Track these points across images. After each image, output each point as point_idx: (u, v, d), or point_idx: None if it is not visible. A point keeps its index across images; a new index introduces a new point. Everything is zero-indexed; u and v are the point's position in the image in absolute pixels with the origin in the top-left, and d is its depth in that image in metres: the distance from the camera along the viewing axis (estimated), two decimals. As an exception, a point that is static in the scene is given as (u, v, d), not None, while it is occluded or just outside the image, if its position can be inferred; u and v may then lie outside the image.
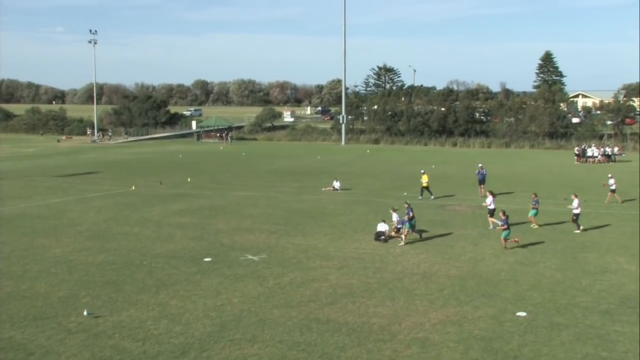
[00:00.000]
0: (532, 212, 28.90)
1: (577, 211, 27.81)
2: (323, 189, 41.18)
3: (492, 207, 28.09)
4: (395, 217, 25.85)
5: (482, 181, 38.27)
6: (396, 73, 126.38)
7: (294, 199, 37.07)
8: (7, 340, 15.25)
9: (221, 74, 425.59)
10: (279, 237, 26.48)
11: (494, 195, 29.01)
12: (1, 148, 78.26)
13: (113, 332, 15.75)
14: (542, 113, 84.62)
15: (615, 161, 61.72)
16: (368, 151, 76.30)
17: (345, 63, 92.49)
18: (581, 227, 27.68)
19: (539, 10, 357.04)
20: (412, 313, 17.17)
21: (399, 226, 25.76)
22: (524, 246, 24.74)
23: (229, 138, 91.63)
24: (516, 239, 24.76)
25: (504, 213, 24.96)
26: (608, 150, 64.19)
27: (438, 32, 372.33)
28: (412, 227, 25.79)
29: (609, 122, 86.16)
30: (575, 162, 61.43)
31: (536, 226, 28.54)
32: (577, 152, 63.79)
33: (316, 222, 29.89)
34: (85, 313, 16.86)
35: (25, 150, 75.74)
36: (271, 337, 15.46)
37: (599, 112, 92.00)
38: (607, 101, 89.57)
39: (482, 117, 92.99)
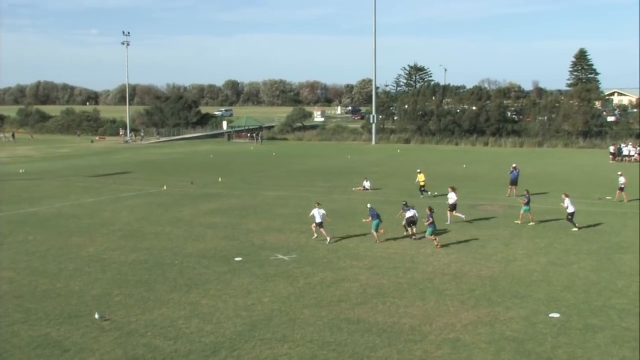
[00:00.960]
0: (523, 209, 28.77)
1: (570, 210, 27.49)
2: (353, 188, 41.14)
3: (451, 201, 29.21)
4: (315, 211, 25.64)
5: (513, 181, 37.79)
6: (427, 72, 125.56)
7: (324, 199, 36.94)
8: (43, 337, 15.55)
9: (252, 74, 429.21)
10: (309, 237, 26.51)
11: (454, 189, 29.81)
12: (38, 148, 79.91)
13: (145, 331, 15.93)
14: (576, 112, 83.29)
15: (652, 160, 60.47)
16: (398, 151, 75.99)
17: (375, 62, 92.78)
18: (576, 227, 27.37)
19: (571, 7, 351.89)
20: (443, 313, 17.04)
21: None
22: (557, 246, 24.38)
23: (259, 138, 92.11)
24: (436, 237, 24.65)
25: (430, 209, 24.86)
26: (644, 149, 62.90)
27: (469, 31, 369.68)
28: (376, 228, 25.56)
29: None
30: (611, 162, 60.31)
31: (532, 222, 28.55)
32: (612, 151, 62.63)
33: (346, 222, 29.86)
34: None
35: (60, 151, 77.16)
36: (301, 336, 15.48)
37: (635, 110, 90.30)
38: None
39: (514, 116, 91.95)
